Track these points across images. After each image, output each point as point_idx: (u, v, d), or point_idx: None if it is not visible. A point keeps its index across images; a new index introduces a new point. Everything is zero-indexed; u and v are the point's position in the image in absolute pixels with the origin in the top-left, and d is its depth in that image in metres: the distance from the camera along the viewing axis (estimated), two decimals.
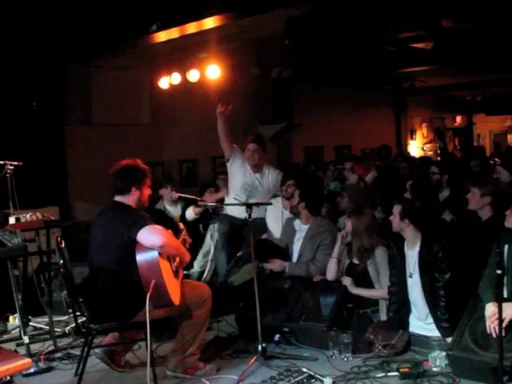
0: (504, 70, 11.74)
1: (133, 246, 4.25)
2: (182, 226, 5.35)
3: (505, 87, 14.70)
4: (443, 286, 4.84)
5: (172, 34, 6.82)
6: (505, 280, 4.30)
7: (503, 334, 3.94)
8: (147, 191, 4.68)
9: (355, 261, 5.55)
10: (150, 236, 4.23)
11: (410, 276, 5.03)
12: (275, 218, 6.72)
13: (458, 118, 18.64)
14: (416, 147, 16.32)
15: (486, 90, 16.18)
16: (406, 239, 5.11)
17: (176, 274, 4.52)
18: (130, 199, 4.56)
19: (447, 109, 17.72)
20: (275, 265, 6.06)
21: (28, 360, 3.47)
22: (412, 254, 5.04)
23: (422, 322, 5.01)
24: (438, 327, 4.85)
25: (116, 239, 4.36)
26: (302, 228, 6.19)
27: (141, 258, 4.22)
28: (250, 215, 5.02)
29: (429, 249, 4.93)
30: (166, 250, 4.29)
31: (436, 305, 4.86)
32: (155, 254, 4.22)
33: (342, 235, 5.66)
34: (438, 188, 7.33)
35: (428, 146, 16.49)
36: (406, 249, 5.12)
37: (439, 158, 14.34)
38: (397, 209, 5.09)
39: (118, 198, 4.60)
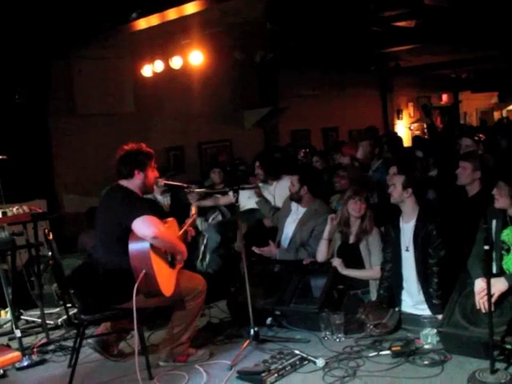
0: (488, 47, 11.74)
1: (129, 233, 4.24)
2: (193, 210, 5.21)
3: (490, 64, 14.72)
4: (437, 262, 4.86)
5: (152, 21, 6.75)
6: (493, 255, 4.33)
7: (492, 309, 3.97)
8: (152, 174, 4.64)
9: (351, 241, 5.55)
10: (144, 226, 4.21)
11: (407, 249, 5.03)
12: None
13: (444, 97, 18.62)
14: (403, 127, 16.32)
15: (471, 68, 16.17)
16: (404, 212, 5.10)
17: (171, 264, 4.51)
18: (133, 183, 4.53)
19: (433, 87, 17.70)
20: (265, 250, 6.07)
21: (17, 353, 3.48)
22: (408, 228, 5.05)
23: (412, 302, 5.03)
24: (429, 304, 4.88)
25: (114, 226, 4.36)
26: (299, 210, 6.18)
27: (133, 247, 4.23)
28: (236, 200, 5.00)
29: (424, 224, 4.94)
30: (157, 243, 4.26)
31: (428, 281, 4.88)
32: (147, 244, 4.21)
33: (331, 218, 5.65)
34: (425, 170, 7.34)
35: (415, 125, 16.50)
36: (401, 223, 5.12)
37: (426, 137, 14.40)
38: (399, 179, 5.08)
39: (122, 182, 4.56)
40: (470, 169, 5.63)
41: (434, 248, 4.89)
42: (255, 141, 11.62)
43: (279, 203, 6.75)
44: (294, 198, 6.18)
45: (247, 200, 7.01)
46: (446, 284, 4.80)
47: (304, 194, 6.10)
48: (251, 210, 7.04)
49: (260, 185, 6.99)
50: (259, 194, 6.77)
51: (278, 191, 6.93)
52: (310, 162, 9.04)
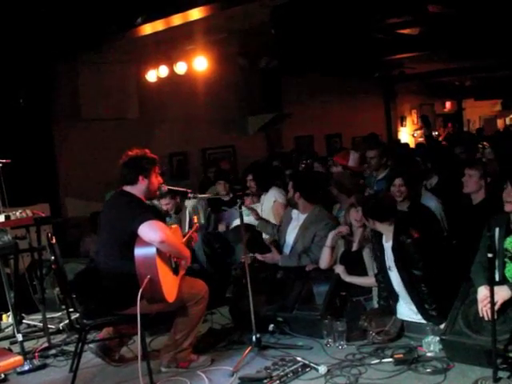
0: (492, 55, 11.76)
1: (133, 238, 4.24)
2: (195, 219, 5.29)
3: (494, 72, 14.74)
4: (422, 279, 4.78)
5: (157, 26, 6.78)
6: (496, 263, 4.31)
7: (495, 317, 3.95)
8: (156, 180, 4.65)
9: (354, 248, 5.53)
10: (150, 231, 4.21)
11: (389, 269, 5.00)
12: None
13: (448, 104, 18.65)
14: (406, 134, 16.34)
15: (474, 76, 16.19)
16: (383, 233, 5.07)
17: (175, 271, 4.51)
18: (138, 189, 4.53)
19: (436, 95, 17.72)
20: (268, 257, 6.07)
21: (19, 357, 3.46)
22: (388, 247, 5.00)
23: (410, 312, 4.97)
24: (426, 317, 4.81)
25: (118, 231, 4.36)
26: (299, 217, 6.17)
27: (139, 252, 4.22)
28: (240, 205, 5.00)
29: (399, 243, 4.86)
30: (164, 247, 4.27)
31: (420, 298, 4.82)
32: (153, 249, 4.21)
33: (340, 231, 5.60)
34: (425, 175, 7.32)
35: (418, 132, 16.51)
36: (384, 241, 5.07)
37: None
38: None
39: (126, 188, 4.57)
40: (478, 176, 5.55)
41: (414, 267, 4.80)
42: (259, 147, 11.64)
43: (265, 215, 6.76)
44: (291, 203, 6.23)
45: None
46: (440, 295, 4.74)
47: (298, 199, 6.10)
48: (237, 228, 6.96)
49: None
50: (257, 217, 6.57)
51: (266, 203, 6.98)
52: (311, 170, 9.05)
